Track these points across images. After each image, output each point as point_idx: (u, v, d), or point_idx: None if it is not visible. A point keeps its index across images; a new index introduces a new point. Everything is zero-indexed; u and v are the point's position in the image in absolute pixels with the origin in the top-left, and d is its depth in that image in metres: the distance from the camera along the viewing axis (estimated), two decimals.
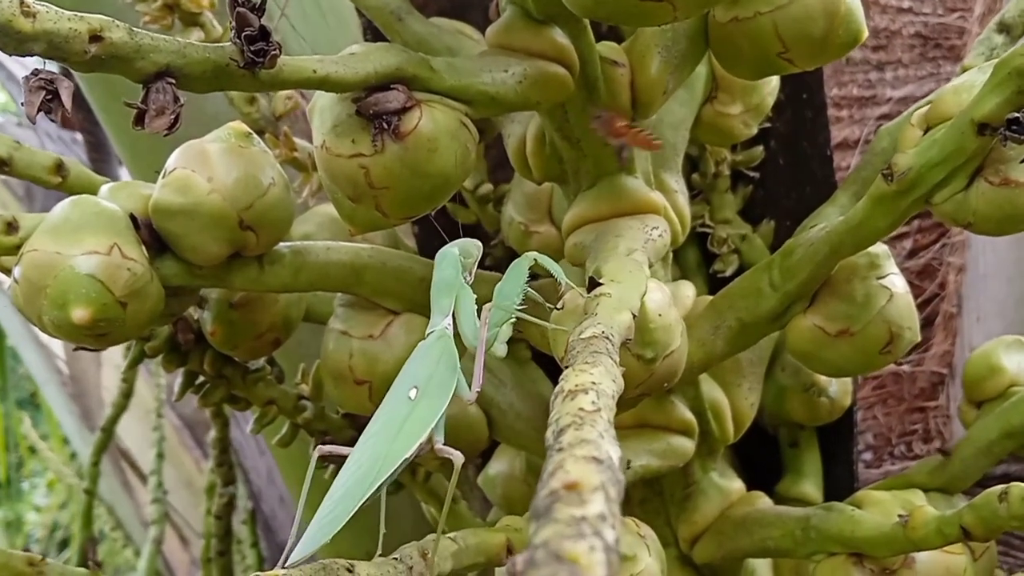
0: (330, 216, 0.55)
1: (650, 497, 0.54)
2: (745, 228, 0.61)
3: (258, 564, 1.01)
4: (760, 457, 0.61)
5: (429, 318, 0.48)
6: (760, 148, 0.60)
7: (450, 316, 0.40)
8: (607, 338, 0.31)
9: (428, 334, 0.40)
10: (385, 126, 0.38)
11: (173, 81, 0.33)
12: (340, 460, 0.40)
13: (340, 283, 0.47)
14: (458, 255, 0.41)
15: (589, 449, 0.21)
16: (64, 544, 2.05)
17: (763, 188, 0.61)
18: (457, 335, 0.40)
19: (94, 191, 0.46)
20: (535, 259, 0.41)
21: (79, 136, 1.14)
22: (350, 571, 0.33)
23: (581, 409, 0.24)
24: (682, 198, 0.49)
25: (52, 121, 0.32)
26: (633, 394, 0.39)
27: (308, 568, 0.32)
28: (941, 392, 0.77)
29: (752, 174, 0.60)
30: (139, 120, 0.33)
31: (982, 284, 0.75)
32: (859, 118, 0.76)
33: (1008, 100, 0.35)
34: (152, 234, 0.43)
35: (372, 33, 0.57)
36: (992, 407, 0.51)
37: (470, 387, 0.38)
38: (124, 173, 1.16)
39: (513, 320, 0.39)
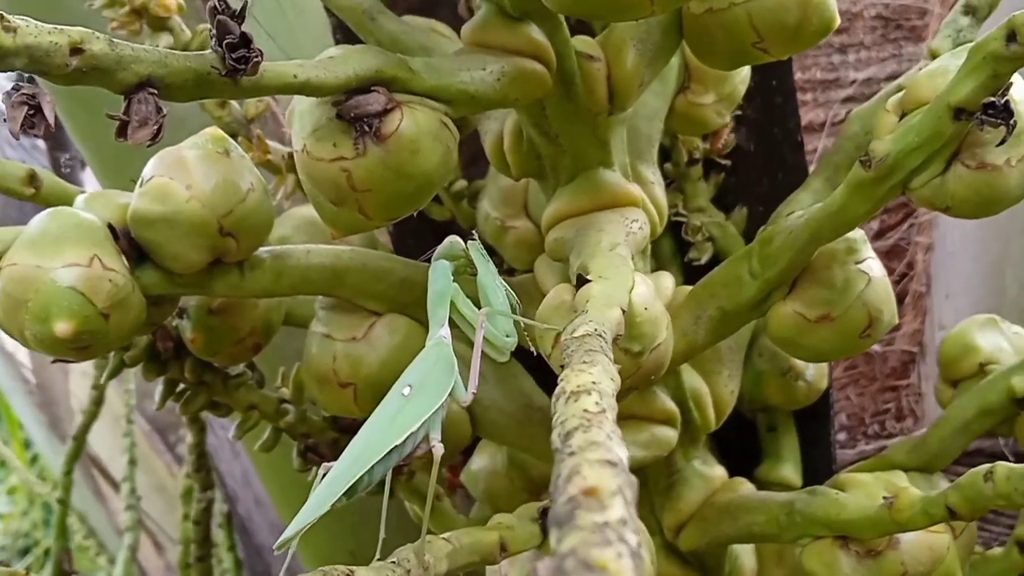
0: (307, 218, 0.55)
1: None
2: (719, 216, 0.61)
3: (235, 567, 1.01)
4: (738, 443, 0.62)
5: (411, 318, 0.48)
6: (731, 135, 0.60)
7: (447, 326, 0.40)
8: (600, 335, 0.31)
9: (426, 346, 0.40)
10: (366, 129, 0.38)
11: (155, 91, 0.33)
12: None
13: (321, 286, 0.47)
14: (447, 264, 0.41)
15: (601, 452, 0.21)
16: (25, 551, 2.03)
17: (735, 175, 0.62)
18: (456, 340, 0.40)
19: (68, 202, 0.46)
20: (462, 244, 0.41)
21: (40, 143, 1.12)
22: (350, 575, 0.33)
23: (586, 411, 0.24)
24: (659, 189, 0.50)
25: (36, 136, 0.32)
26: (622, 388, 0.39)
27: (312, 575, 0.32)
28: (912, 371, 0.78)
29: (724, 162, 0.61)
30: (121, 132, 0.33)
31: (950, 262, 0.76)
32: (823, 101, 0.76)
33: (983, 84, 0.36)
34: (131, 244, 0.43)
35: (342, 33, 0.57)
36: (968, 386, 0.52)
37: (467, 389, 0.38)
38: (88, 176, 1.15)
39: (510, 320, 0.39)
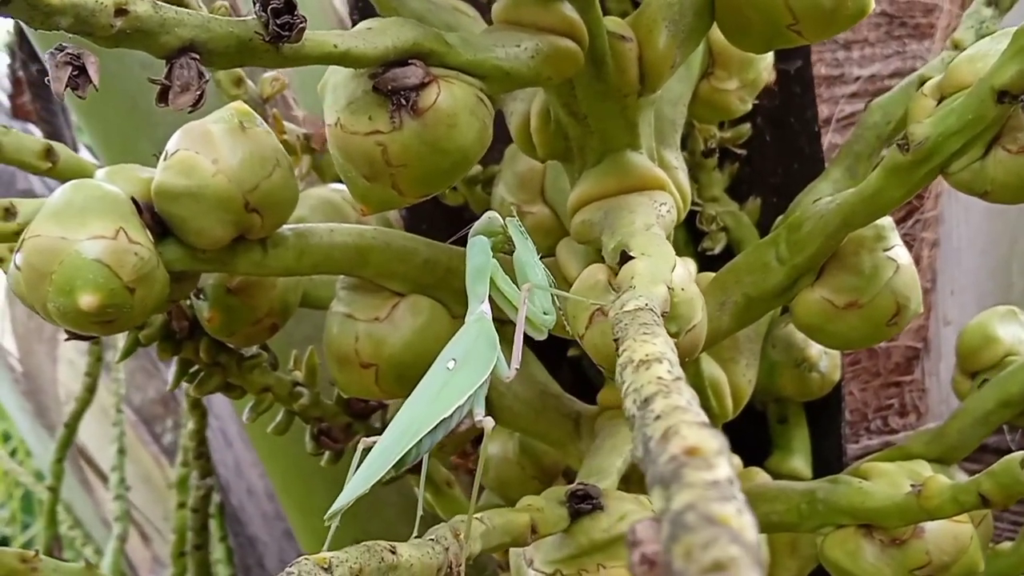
0: (323, 199, 0.55)
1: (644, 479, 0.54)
2: (732, 205, 0.61)
3: (227, 558, 1.00)
4: (748, 434, 0.62)
5: (434, 299, 0.47)
6: (747, 125, 0.60)
7: (487, 301, 0.40)
8: (651, 310, 0.31)
9: (466, 321, 0.40)
10: (403, 102, 0.37)
11: (197, 57, 0.32)
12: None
13: (344, 265, 0.46)
14: (486, 240, 0.40)
15: (691, 415, 0.21)
16: (3, 542, 2.01)
17: (750, 165, 0.61)
18: (495, 319, 0.40)
19: (85, 176, 0.45)
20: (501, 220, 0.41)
21: (31, 126, 1.11)
22: (392, 552, 0.32)
23: (660, 378, 0.24)
24: (682, 174, 0.49)
25: (80, 98, 0.31)
26: None
27: (353, 550, 0.31)
28: (916, 366, 0.78)
29: (739, 151, 0.61)
30: (163, 97, 0.32)
31: (955, 258, 0.76)
32: (827, 97, 0.76)
33: None
34: (154, 218, 0.42)
35: (360, 13, 0.56)
36: (987, 377, 0.52)
37: (509, 366, 0.38)
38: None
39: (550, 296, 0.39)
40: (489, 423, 0.37)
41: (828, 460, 0.63)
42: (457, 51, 0.39)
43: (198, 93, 0.32)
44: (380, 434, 0.54)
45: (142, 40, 0.32)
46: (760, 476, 0.54)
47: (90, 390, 0.95)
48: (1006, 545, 0.55)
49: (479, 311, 0.39)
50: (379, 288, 0.47)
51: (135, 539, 1.27)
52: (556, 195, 0.55)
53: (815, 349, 0.58)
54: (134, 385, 1.33)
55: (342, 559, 0.30)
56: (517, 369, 0.38)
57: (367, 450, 0.39)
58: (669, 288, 0.34)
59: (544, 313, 0.39)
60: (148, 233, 0.41)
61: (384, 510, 0.68)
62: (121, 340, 0.99)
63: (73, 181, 0.42)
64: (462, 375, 0.38)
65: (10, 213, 0.42)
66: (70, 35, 0.31)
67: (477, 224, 0.41)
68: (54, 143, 0.48)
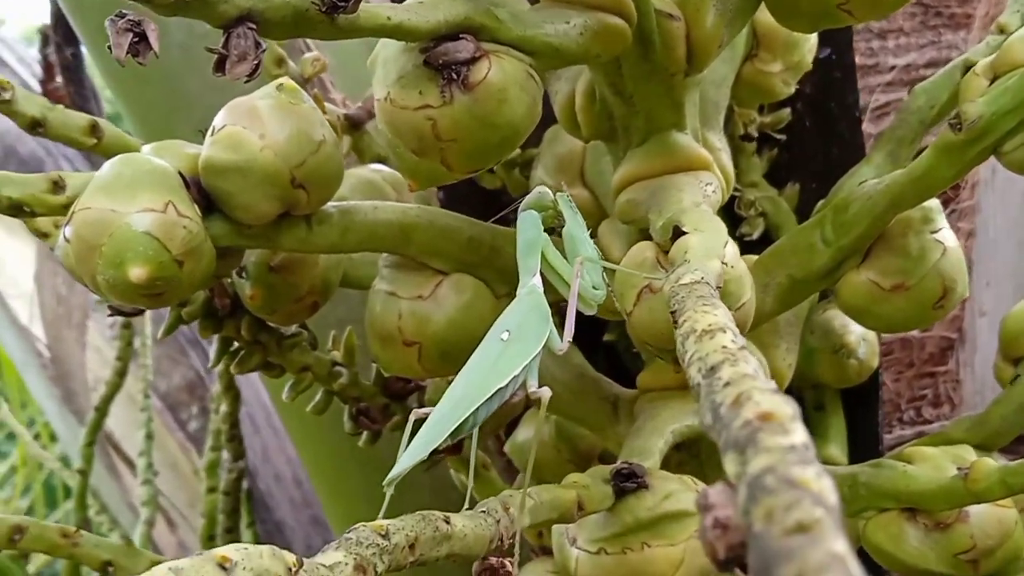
0: (363, 179, 0.55)
1: (687, 460, 0.54)
2: (771, 191, 0.61)
3: (255, 543, 1.00)
4: None
5: (477, 278, 0.47)
6: (787, 110, 0.60)
7: (538, 275, 0.40)
8: (707, 283, 0.31)
9: (518, 294, 0.40)
10: (454, 76, 0.37)
11: (254, 26, 0.33)
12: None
13: (388, 243, 0.46)
14: (537, 214, 0.40)
15: (760, 383, 0.21)
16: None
17: (788, 151, 0.61)
18: (546, 292, 0.40)
19: (128, 153, 0.45)
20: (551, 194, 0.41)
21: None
22: (447, 522, 0.32)
23: (725, 347, 0.24)
24: (726, 156, 0.49)
25: (140, 64, 0.31)
26: None
27: (410, 518, 0.31)
28: (950, 357, 0.78)
29: (779, 136, 0.60)
30: (220, 66, 0.32)
31: (992, 249, 0.76)
32: (862, 86, 0.76)
33: None
34: (201, 193, 0.42)
35: None
36: None
37: (561, 339, 0.38)
38: None
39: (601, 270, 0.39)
40: (546, 393, 0.37)
41: (864, 448, 0.63)
42: (508, 26, 0.39)
43: (255, 63, 0.32)
44: None
45: (200, 8, 0.32)
46: None
47: (120, 374, 0.95)
48: None
49: (531, 284, 0.39)
50: (422, 266, 0.47)
51: (161, 525, 1.27)
52: (596, 177, 0.54)
53: (854, 336, 0.58)
54: (160, 372, 1.33)
55: (399, 527, 0.30)
56: (570, 342, 0.38)
57: (419, 421, 0.39)
58: (723, 263, 0.34)
59: (594, 288, 0.39)
60: (196, 207, 0.41)
61: (418, 491, 0.68)
62: (149, 326, 0.99)
63: (122, 155, 0.42)
64: (516, 347, 0.38)
65: (58, 186, 0.42)
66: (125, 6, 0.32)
67: (527, 198, 0.41)
68: (99, 119, 0.48)
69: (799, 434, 0.18)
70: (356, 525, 0.30)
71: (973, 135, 0.39)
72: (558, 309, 0.41)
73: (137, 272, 0.39)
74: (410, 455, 0.37)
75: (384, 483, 0.38)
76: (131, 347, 0.95)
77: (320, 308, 0.51)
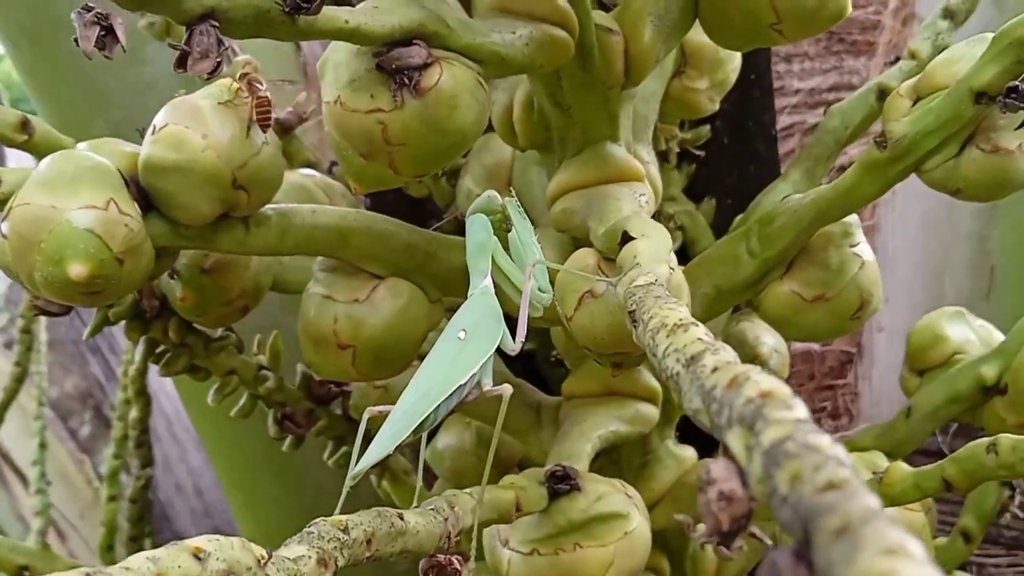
0: (295, 183, 0.55)
1: (607, 466, 0.55)
2: (689, 205, 0.63)
3: None
4: (697, 429, 0.63)
5: (413, 283, 0.48)
6: (707, 127, 0.62)
7: (489, 277, 0.40)
8: (661, 285, 0.32)
9: (470, 295, 0.41)
10: (406, 81, 0.38)
11: (216, 24, 0.33)
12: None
13: (326, 246, 0.46)
14: (486, 218, 0.41)
15: (747, 369, 0.22)
16: None
17: (706, 166, 0.63)
18: (497, 294, 0.40)
19: (59, 150, 0.45)
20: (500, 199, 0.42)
21: None
22: (401, 518, 0.33)
23: (700, 339, 0.25)
24: (654, 169, 0.50)
25: (106, 58, 0.31)
26: (636, 355, 0.40)
27: (366, 514, 0.32)
28: (849, 371, 0.81)
29: (698, 152, 0.62)
30: (181, 62, 0.32)
31: (891, 266, 0.79)
32: None
33: (1007, 70, 0.38)
34: (139, 192, 0.42)
35: None
36: (935, 375, 0.54)
37: (514, 339, 0.39)
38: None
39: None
40: (507, 390, 0.37)
41: None
42: (458, 34, 0.39)
43: (217, 60, 0.33)
44: (343, 420, 0.55)
45: (163, 4, 0.32)
46: None
47: (19, 380, 0.93)
48: (940, 540, 0.57)
49: (482, 286, 0.40)
50: (357, 270, 0.47)
51: (51, 536, 1.24)
52: (523, 187, 0.55)
53: (766, 347, 0.59)
54: (50, 380, 1.30)
55: (356, 522, 0.31)
56: (523, 343, 0.38)
57: (372, 418, 0.39)
58: (670, 268, 0.36)
59: (540, 291, 0.40)
60: (136, 206, 0.41)
61: (331, 499, 0.68)
62: (44, 333, 0.97)
63: (61, 151, 0.42)
64: (473, 345, 0.38)
65: None
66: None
67: (477, 202, 0.42)
68: (30, 116, 0.47)
69: (801, 409, 0.19)
70: (316, 520, 0.30)
71: (898, 153, 0.41)
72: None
73: (77, 269, 0.39)
74: (377, 450, 0.37)
75: (349, 476, 0.38)
76: (31, 352, 0.93)
77: (250, 311, 0.51)
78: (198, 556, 0.25)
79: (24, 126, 0.47)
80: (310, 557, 0.28)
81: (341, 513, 0.31)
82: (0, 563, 0.50)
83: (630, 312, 0.30)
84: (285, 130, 0.58)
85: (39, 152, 0.46)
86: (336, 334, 0.47)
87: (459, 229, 0.61)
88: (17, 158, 1.25)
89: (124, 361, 0.87)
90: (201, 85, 0.60)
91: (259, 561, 0.26)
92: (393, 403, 0.48)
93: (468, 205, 0.56)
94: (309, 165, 0.59)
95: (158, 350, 0.52)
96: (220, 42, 0.33)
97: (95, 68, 0.67)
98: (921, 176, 0.41)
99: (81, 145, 0.44)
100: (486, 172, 0.56)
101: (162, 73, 0.64)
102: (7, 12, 0.68)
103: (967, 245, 0.75)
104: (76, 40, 0.31)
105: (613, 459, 0.55)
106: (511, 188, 0.44)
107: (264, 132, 0.42)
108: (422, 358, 0.48)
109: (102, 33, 0.31)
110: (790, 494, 0.17)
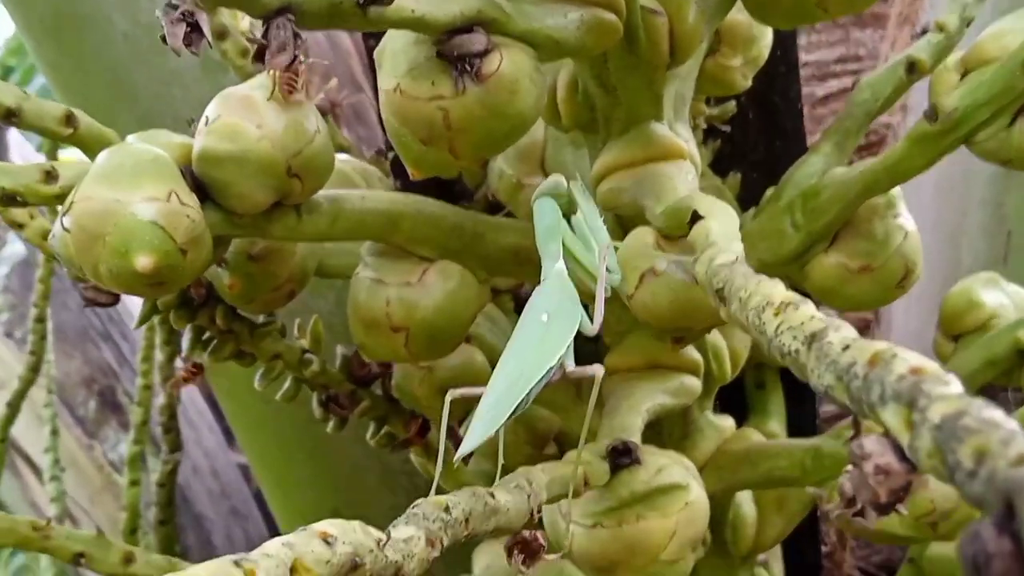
0: (336, 170, 0.55)
1: (650, 438, 0.56)
2: (715, 180, 0.63)
3: (171, 537, 0.99)
4: (726, 399, 0.64)
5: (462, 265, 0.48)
6: (733, 103, 0.62)
7: (561, 259, 0.41)
8: (742, 262, 0.32)
9: (543, 280, 0.41)
10: (468, 68, 0.38)
11: (292, 17, 0.33)
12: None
13: (376, 231, 0.47)
14: (553, 201, 0.42)
15: (888, 346, 0.22)
16: None
17: (731, 142, 0.64)
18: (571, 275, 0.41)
19: (106, 144, 0.45)
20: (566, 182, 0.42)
21: None
22: (492, 497, 0.33)
23: (814, 316, 0.26)
24: (694, 146, 0.51)
25: (193, 54, 0.31)
26: (707, 325, 0.41)
27: (462, 495, 0.32)
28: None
29: (724, 128, 0.63)
30: (260, 56, 0.33)
31: None
32: None
33: None
34: (195, 182, 0.43)
35: None
36: (971, 340, 0.55)
37: (592, 321, 0.39)
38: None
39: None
40: (600, 370, 0.38)
41: (802, 423, 0.66)
42: (515, 20, 0.40)
43: (294, 53, 0.33)
44: (385, 400, 0.55)
45: (243, 0, 0.32)
46: (755, 435, 0.56)
47: (34, 369, 0.93)
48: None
49: (556, 269, 0.41)
50: (406, 254, 0.48)
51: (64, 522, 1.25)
52: (557, 167, 0.56)
53: None
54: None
55: (455, 502, 0.32)
56: (601, 325, 0.39)
57: (454, 400, 0.40)
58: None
59: (609, 271, 0.41)
60: (195, 196, 0.41)
61: (365, 477, 0.69)
62: (50, 321, 0.97)
63: (117, 145, 0.42)
64: (556, 328, 0.39)
65: (51, 176, 0.42)
66: None
67: (542, 186, 0.42)
68: (74, 110, 0.47)
69: (956, 384, 0.20)
70: (418, 501, 0.31)
71: (949, 126, 0.41)
72: None
73: (144, 261, 0.39)
74: (479, 433, 0.38)
75: (453, 460, 0.39)
76: (45, 340, 0.93)
77: (296, 296, 0.51)
78: (327, 540, 0.25)
79: (69, 120, 0.47)
80: (419, 538, 0.29)
81: (437, 494, 0.32)
82: (56, 551, 0.51)
83: (717, 290, 0.31)
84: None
85: (84, 146, 0.46)
86: (389, 317, 0.47)
87: (489, 208, 0.62)
88: (19, 149, 1.25)
89: (143, 348, 0.88)
90: (223, 75, 0.60)
91: (378, 543, 0.27)
92: (443, 384, 0.49)
93: (499, 185, 0.57)
94: (342, 150, 0.60)
95: (204, 337, 0.52)
96: (296, 35, 0.33)
97: (119, 61, 0.67)
98: (971, 148, 0.42)
99: (130, 138, 0.44)
100: (519, 152, 0.56)
101: (187, 64, 0.64)
102: (29, 11, 0.68)
103: (982, 211, 0.76)
104: (163, 37, 0.31)
105: (655, 431, 0.56)
106: (576, 173, 0.44)
107: (291, 97, 0.42)
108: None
109: (188, 30, 0.31)
110: (978, 468, 0.17)
